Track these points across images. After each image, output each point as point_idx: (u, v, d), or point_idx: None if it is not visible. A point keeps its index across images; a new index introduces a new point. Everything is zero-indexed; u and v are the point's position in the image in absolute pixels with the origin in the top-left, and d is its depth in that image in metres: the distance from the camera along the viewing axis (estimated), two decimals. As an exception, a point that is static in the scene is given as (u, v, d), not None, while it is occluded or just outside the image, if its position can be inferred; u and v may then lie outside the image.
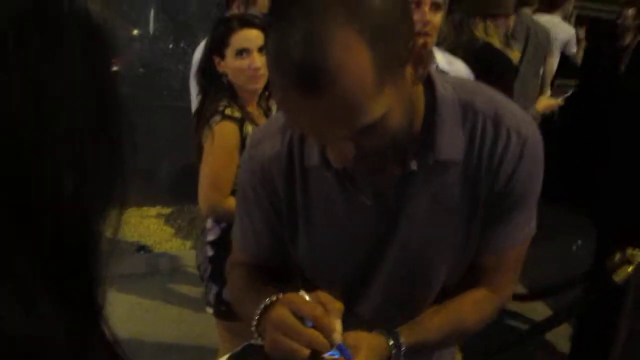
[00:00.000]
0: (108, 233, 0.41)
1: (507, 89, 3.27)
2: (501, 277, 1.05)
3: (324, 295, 0.88)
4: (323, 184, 0.99)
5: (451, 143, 0.93)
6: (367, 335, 0.94)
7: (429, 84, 0.92)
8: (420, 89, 0.90)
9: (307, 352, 0.84)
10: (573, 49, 4.24)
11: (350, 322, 1.04)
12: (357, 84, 0.73)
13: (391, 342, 0.95)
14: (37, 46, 0.35)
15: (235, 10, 2.96)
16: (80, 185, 0.38)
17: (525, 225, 1.01)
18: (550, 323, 2.05)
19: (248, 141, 1.08)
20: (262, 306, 0.92)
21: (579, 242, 4.00)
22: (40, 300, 0.36)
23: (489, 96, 0.96)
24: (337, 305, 0.87)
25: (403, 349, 0.95)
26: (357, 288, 1.07)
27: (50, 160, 0.36)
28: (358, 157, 0.83)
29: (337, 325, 0.85)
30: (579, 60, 4.46)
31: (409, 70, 0.81)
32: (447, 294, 1.05)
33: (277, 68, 0.75)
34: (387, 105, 0.77)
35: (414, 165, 0.92)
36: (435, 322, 1.02)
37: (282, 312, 0.86)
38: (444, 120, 0.92)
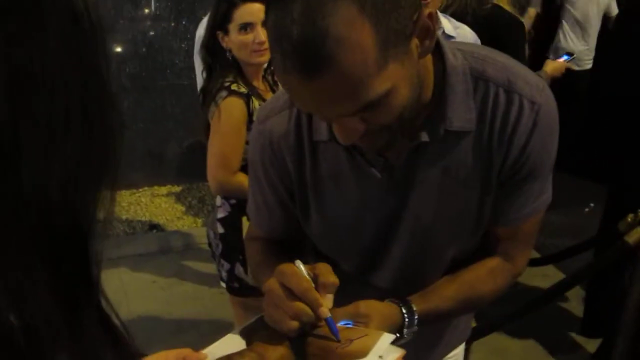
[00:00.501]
0: (101, 215, 0.41)
1: (518, 53, 3.23)
2: (516, 246, 1.04)
3: (321, 268, 0.88)
4: (333, 159, 0.98)
5: (462, 113, 0.91)
6: (379, 304, 0.94)
7: (438, 53, 0.90)
8: (429, 59, 0.88)
9: (294, 324, 0.84)
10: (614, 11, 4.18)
11: (366, 294, 1.05)
12: (359, 61, 0.71)
13: (403, 310, 0.95)
14: (13, 30, 0.34)
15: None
16: (69, 169, 0.37)
17: (540, 196, 1.00)
18: (562, 287, 2.05)
19: (256, 117, 1.07)
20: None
21: (591, 205, 3.99)
22: (35, 285, 0.36)
23: (501, 63, 0.93)
24: (332, 279, 0.86)
25: (416, 317, 0.95)
26: (370, 262, 1.07)
27: (36, 145, 0.35)
28: (366, 134, 0.82)
29: (327, 299, 0.85)
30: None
31: (414, 44, 0.79)
32: (459, 265, 1.05)
33: (278, 48, 0.74)
34: (392, 81, 0.76)
35: (424, 137, 0.91)
36: (449, 291, 1.01)
37: (272, 283, 0.87)
38: (455, 90, 0.90)
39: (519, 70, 0.93)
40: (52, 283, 0.37)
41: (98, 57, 0.39)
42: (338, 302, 0.96)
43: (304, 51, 0.71)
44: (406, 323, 0.95)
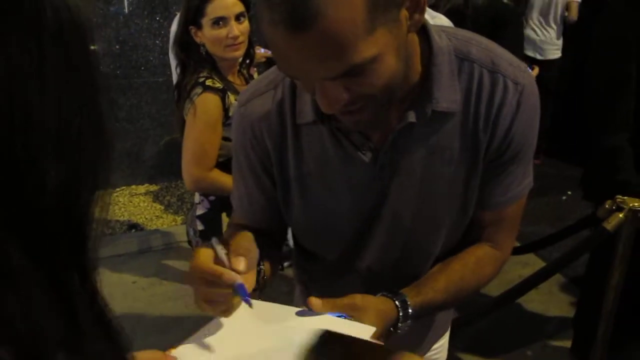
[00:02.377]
0: (97, 214, 0.40)
1: (518, 42, 3.25)
2: (502, 232, 1.04)
3: (237, 244, 0.87)
4: (317, 143, 0.96)
5: (448, 94, 0.90)
6: (374, 298, 0.94)
7: (424, 34, 0.90)
8: (415, 39, 0.88)
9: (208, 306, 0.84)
10: None
11: (349, 281, 1.04)
12: (346, 19, 0.70)
13: (398, 304, 0.94)
14: (5, 30, 0.33)
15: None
16: (65, 168, 0.37)
17: (523, 179, 1.00)
18: (544, 275, 2.07)
19: (237, 100, 1.04)
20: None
21: (569, 193, 4.04)
22: (33, 286, 0.36)
23: (484, 45, 0.94)
24: (252, 254, 0.88)
25: (410, 310, 0.94)
26: (353, 250, 1.05)
27: (32, 145, 0.35)
28: (349, 105, 0.80)
29: (240, 264, 0.83)
30: None
31: (404, 15, 0.78)
32: (446, 254, 1.05)
33: (265, 1, 0.72)
34: (379, 48, 0.74)
35: (412, 117, 0.90)
36: (440, 282, 1.01)
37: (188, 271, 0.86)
38: (441, 71, 0.90)
39: (501, 52, 0.94)
40: (49, 282, 0.37)
41: (89, 54, 0.39)
42: (321, 291, 0.95)
43: (291, 4, 0.69)
44: (401, 317, 0.94)
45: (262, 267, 0.97)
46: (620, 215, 1.89)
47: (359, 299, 0.91)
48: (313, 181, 0.99)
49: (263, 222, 1.09)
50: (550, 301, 3.05)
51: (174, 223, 3.96)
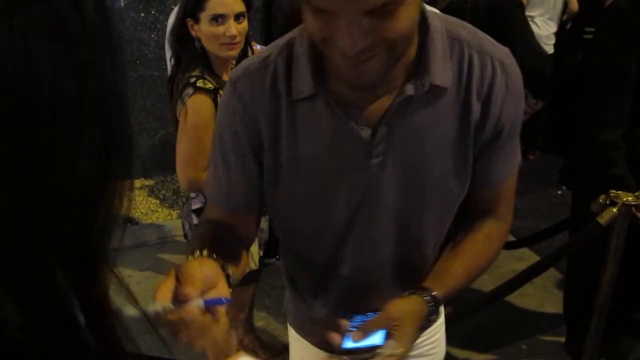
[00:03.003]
0: (117, 210, 0.40)
1: (526, 31, 3.24)
2: (504, 205, 1.08)
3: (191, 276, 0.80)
4: (312, 119, 0.96)
5: (442, 69, 0.93)
6: (405, 303, 0.97)
7: (420, 13, 0.92)
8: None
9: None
10: None
11: (331, 285, 1.08)
12: None
13: (428, 300, 0.97)
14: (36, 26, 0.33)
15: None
16: (81, 164, 0.36)
17: (517, 151, 1.05)
18: (538, 269, 2.08)
19: (229, 76, 1.01)
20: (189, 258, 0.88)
21: (564, 188, 4.05)
22: (42, 281, 0.36)
23: (470, 28, 0.99)
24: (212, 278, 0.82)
25: (440, 303, 0.98)
26: (341, 241, 1.05)
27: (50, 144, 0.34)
28: (368, 51, 0.81)
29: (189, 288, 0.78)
30: None
31: None
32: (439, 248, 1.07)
33: None
34: None
35: (410, 90, 0.92)
36: (457, 267, 1.04)
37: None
38: (436, 46, 0.93)
39: (485, 36, 0.99)
40: (57, 281, 0.36)
41: (113, 55, 0.39)
42: (313, 293, 0.97)
43: None
44: (432, 311, 0.97)
45: (228, 272, 0.89)
46: (614, 210, 1.90)
47: (392, 309, 0.93)
48: (306, 162, 0.98)
49: (239, 208, 1.06)
50: (545, 296, 3.07)
51: (169, 217, 3.96)
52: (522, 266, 2.57)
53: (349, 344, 0.93)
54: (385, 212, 1.01)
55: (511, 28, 2.96)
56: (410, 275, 1.08)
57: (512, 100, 0.97)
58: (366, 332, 0.92)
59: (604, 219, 1.90)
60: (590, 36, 3.88)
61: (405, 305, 0.96)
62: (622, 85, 2.13)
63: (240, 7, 1.81)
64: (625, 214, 1.92)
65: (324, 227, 1.04)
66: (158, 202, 4.16)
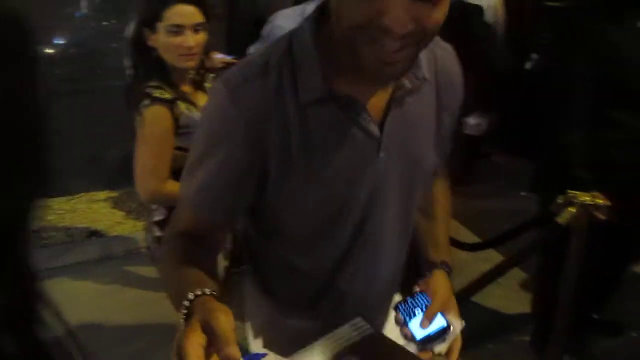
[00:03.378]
0: (33, 225, 0.39)
1: (488, 35, 3.29)
2: (443, 168, 1.25)
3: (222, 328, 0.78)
4: (324, 120, 0.95)
5: (427, 63, 1.02)
6: (440, 280, 1.12)
7: None
8: None
9: None
10: None
11: (327, 297, 1.11)
12: None
13: (447, 270, 1.14)
14: None
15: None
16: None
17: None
18: (502, 269, 2.12)
19: (221, 85, 0.95)
20: (187, 302, 0.85)
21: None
22: None
23: None
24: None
25: (451, 269, 1.15)
26: (352, 243, 1.07)
27: None
28: (408, 37, 0.81)
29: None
30: None
31: None
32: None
33: None
34: None
35: (408, 83, 0.99)
36: (442, 230, 1.24)
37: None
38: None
39: None
40: None
41: (25, 68, 0.38)
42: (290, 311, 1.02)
43: None
44: (450, 276, 1.15)
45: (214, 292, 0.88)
46: (572, 210, 1.96)
47: (438, 289, 1.09)
48: (319, 166, 0.97)
49: (221, 217, 1.03)
50: (511, 296, 3.12)
51: (135, 229, 3.90)
52: (488, 267, 2.62)
53: (420, 333, 1.02)
54: (391, 208, 1.07)
55: (474, 34, 3.03)
56: (400, 273, 1.18)
57: (460, 88, 1.12)
58: (431, 318, 1.03)
59: (562, 218, 1.96)
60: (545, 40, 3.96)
61: (442, 282, 1.10)
62: (578, 88, 2.20)
63: (199, 18, 1.80)
64: (583, 213, 1.97)
65: (335, 232, 1.04)
66: (124, 213, 4.11)
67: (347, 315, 1.11)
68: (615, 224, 2.08)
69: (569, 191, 2.03)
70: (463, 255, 2.77)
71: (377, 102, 0.98)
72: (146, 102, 1.74)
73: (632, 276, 3.25)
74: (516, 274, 3.14)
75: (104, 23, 4.21)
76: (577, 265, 2.07)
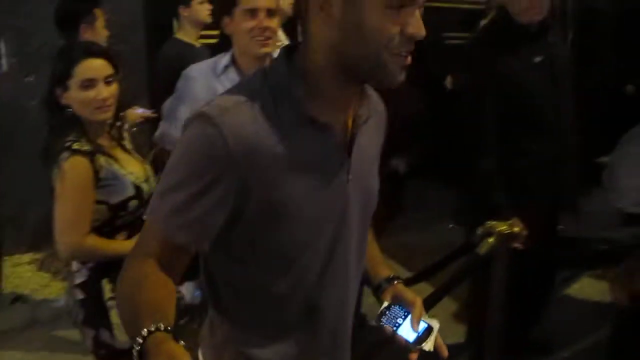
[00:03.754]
0: None
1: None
2: None
3: None
4: (303, 143, 1.02)
5: (373, 95, 1.15)
6: (400, 288, 1.21)
7: None
8: None
9: None
10: None
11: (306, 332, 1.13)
12: None
13: (398, 280, 1.24)
14: None
15: (85, 37, 2.86)
16: None
17: None
18: (428, 302, 2.15)
19: (205, 114, 0.98)
20: (140, 338, 0.86)
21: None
22: None
23: None
24: None
25: None
26: (327, 268, 1.10)
27: None
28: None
29: None
30: None
31: None
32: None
33: None
34: None
35: (366, 111, 1.09)
36: (378, 254, 1.31)
37: None
38: None
39: None
40: None
41: None
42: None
43: None
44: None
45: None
46: (490, 240, 2.03)
47: (411, 295, 1.18)
48: (300, 189, 1.02)
49: (192, 241, 1.02)
50: (446, 327, 3.16)
51: (62, 291, 3.75)
52: (419, 301, 2.65)
53: (411, 337, 1.13)
54: (353, 234, 1.12)
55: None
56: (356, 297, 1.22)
57: (384, 127, 1.21)
58: (419, 320, 1.14)
59: (482, 249, 2.02)
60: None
61: (407, 290, 1.20)
62: (487, 120, 2.32)
63: (109, 70, 1.83)
64: (501, 243, 2.05)
65: (312, 251, 1.08)
66: (49, 276, 3.95)
67: (322, 342, 1.14)
68: (532, 250, 2.17)
69: (488, 222, 2.11)
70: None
71: (343, 127, 1.07)
72: (65, 154, 1.74)
73: (561, 297, 3.38)
74: (448, 305, 3.19)
75: (26, 79, 4.11)
76: (501, 292, 2.14)
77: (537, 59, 2.35)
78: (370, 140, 1.14)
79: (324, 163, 1.05)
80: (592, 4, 5.08)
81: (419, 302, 1.17)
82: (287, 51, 1.06)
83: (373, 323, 1.20)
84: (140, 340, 0.85)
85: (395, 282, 1.22)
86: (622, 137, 1.66)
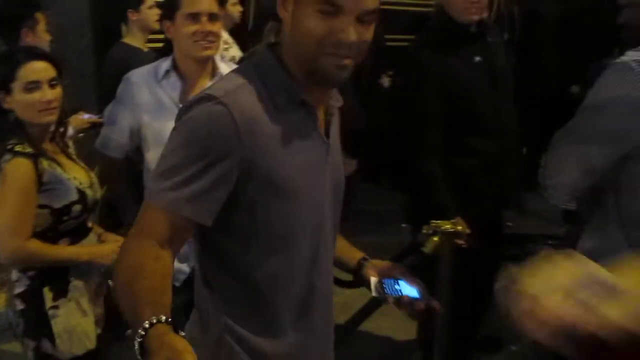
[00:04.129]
0: None
1: None
2: None
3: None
4: (294, 123, 1.13)
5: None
6: (379, 262, 1.39)
7: None
8: None
9: None
10: None
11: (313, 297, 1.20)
12: None
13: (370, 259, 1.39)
14: None
15: (26, 41, 2.80)
16: None
17: None
18: (373, 305, 2.18)
19: (205, 96, 1.06)
20: (142, 331, 0.87)
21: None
22: None
23: None
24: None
25: None
26: (317, 251, 1.19)
27: None
28: (355, 47, 1.07)
29: None
30: None
31: None
32: None
33: None
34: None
35: (339, 101, 1.23)
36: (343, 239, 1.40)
37: None
38: None
39: None
40: None
41: None
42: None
43: None
44: None
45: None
46: (435, 239, 2.06)
47: (383, 267, 1.35)
48: (298, 164, 1.13)
49: (196, 216, 1.05)
50: (398, 326, 3.20)
51: (6, 303, 3.63)
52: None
53: (414, 292, 1.30)
54: (330, 215, 1.21)
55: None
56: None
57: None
58: (414, 280, 1.33)
59: (427, 248, 2.06)
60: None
61: (380, 261, 1.38)
62: (431, 120, 2.37)
63: (52, 73, 1.83)
64: (446, 241, 2.09)
65: (306, 229, 1.16)
66: (-6, 287, 3.81)
67: (316, 329, 1.23)
68: (476, 248, 2.22)
69: (433, 221, 2.15)
70: (346, 292, 2.82)
71: (320, 114, 1.18)
72: (7, 156, 1.72)
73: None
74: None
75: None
76: (446, 291, 2.17)
77: (477, 59, 2.42)
78: (335, 132, 1.25)
79: (312, 143, 1.15)
80: (535, 7, 5.23)
81: (398, 266, 1.37)
82: (270, 46, 1.17)
83: (375, 295, 1.35)
84: (143, 332, 0.86)
85: (370, 260, 1.38)
86: (554, 136, 1.72)
